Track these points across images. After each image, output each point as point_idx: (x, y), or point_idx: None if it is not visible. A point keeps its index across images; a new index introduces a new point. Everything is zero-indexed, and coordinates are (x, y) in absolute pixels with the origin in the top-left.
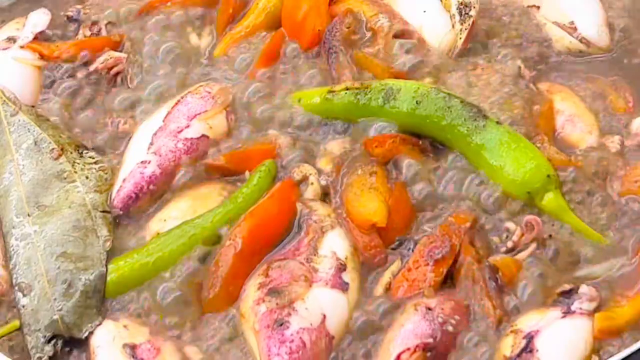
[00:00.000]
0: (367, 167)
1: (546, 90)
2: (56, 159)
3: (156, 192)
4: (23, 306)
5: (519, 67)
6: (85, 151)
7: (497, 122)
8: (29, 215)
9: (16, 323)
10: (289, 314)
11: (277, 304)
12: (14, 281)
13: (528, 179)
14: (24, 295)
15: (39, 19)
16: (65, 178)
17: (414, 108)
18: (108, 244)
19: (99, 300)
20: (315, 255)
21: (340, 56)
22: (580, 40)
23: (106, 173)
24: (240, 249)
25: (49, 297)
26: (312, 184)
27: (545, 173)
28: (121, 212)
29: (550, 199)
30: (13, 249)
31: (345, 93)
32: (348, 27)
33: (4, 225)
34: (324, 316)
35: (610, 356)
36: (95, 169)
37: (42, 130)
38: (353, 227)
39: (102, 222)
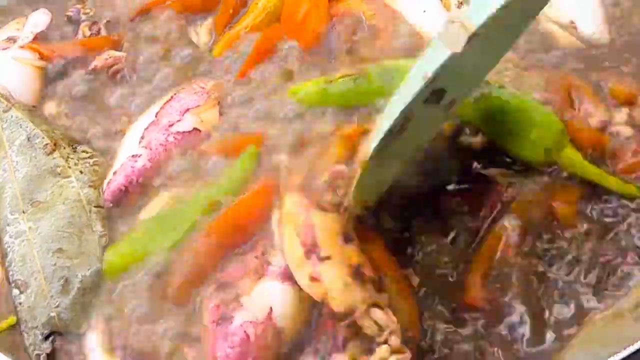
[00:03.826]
0: None
1: None
2: (49, 154)
3: (147, 185)
4: (20, 303)
5: (519, 67)
6: (78, 146)
7: (501, 87)
8: (23, 212)
9: (12, 319)
10: (234, 309)
11: (221, 299)
12: (10, 278)
13: (544, 134)
14: (21, 292)
15: (39, 19)
16: (59, 173)
17: None
18: (104, 239)
19: (96, 296)
20: (271, 248)
21: (339, 56)
22: (580, 39)
23: (100, 167)
24: (211, 242)
25: (46, 294)
26: None
27: (558, 127)
28: (111, 205)
29: (568, 153)
30: (8, 246)
31: (343, 80)
32: (348, 27)
33: None
34: (271, 309)
35: (611, 356)
36: (89, 163)
37: (35, 125)
38: None
39: (97, 217)
